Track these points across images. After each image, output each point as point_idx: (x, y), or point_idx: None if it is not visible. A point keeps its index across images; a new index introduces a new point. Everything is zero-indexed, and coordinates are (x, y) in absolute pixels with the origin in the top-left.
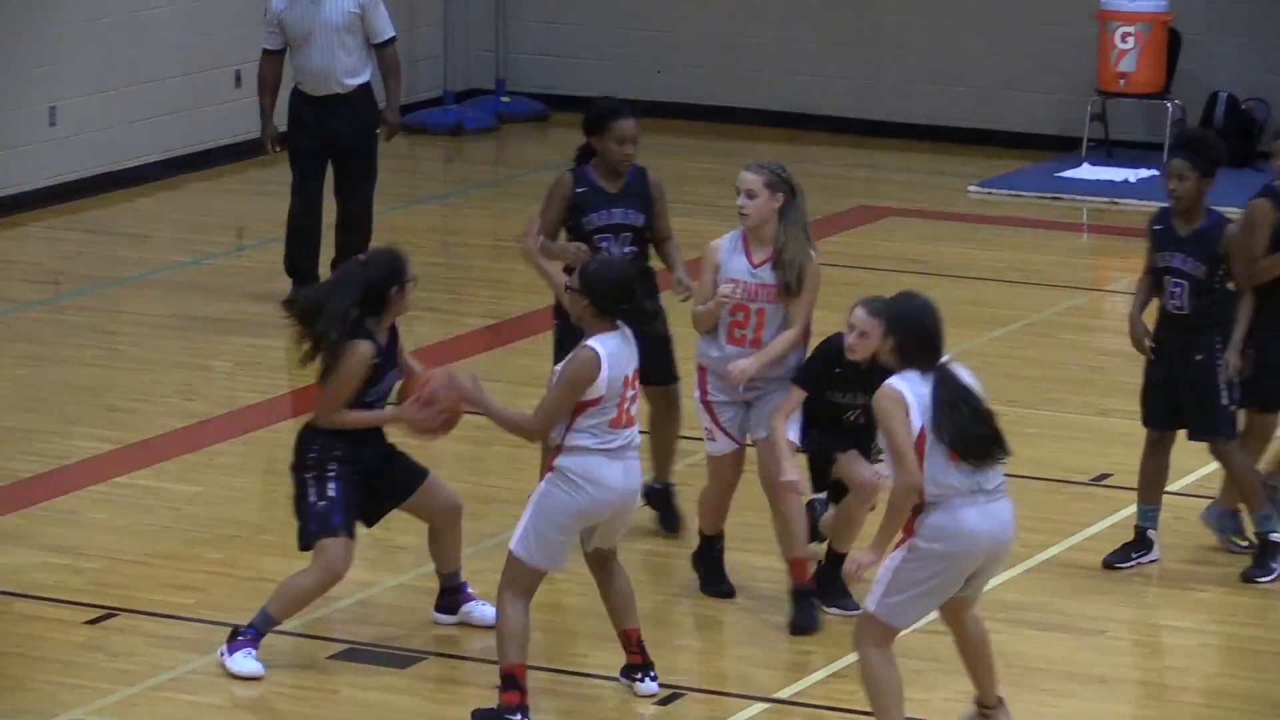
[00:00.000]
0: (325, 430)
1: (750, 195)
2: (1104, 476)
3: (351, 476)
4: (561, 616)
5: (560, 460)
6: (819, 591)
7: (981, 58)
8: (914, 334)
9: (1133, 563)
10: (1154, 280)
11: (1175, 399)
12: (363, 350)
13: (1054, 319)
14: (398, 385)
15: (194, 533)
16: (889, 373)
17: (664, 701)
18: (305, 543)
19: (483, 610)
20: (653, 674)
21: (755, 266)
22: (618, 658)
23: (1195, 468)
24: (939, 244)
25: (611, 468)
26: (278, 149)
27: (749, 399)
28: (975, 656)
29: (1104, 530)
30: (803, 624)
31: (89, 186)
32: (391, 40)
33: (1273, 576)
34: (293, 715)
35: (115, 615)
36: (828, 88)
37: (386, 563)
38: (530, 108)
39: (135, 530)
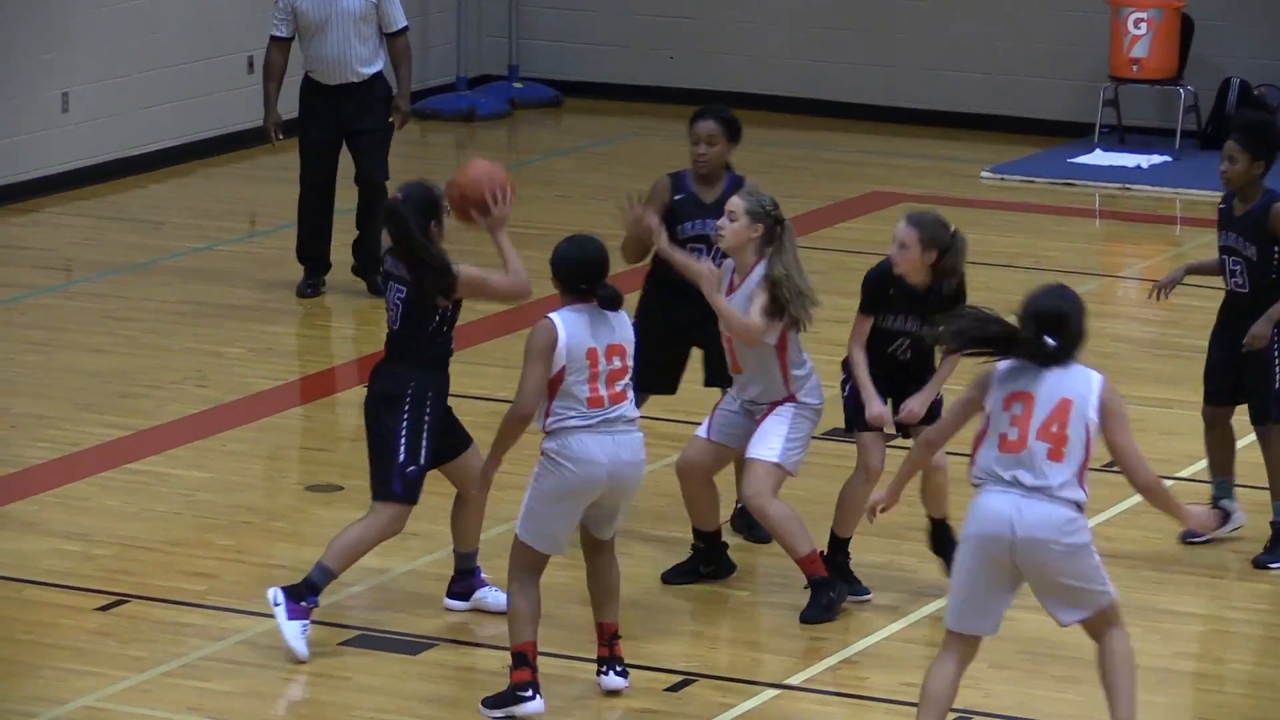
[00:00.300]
0: (418, 369)
1: (731, 218)
2: (1115, 462)
3: (437, 426)
4: (578, 605)
5: (543, 443)
6: (832, 583)
7: (995, 44)
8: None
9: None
10: (1220, 263)
11: (1236, 376)
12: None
13: None
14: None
15: (205, 519)
16: (940, 298)
17: (674, 688)
18: (384, 496)
19: (495, 596)
20: (619, 668)
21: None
22: (630, 646)
23: (1204, 455)
24: None
25: (596, 440)
26: (280, 137)
27: (751, 411)
28: None
29: (1116, 516)
30: (811, 616)
31: (101, 173)
32: (405, 30)
33: None
34: (305, 701)
35: (127, 602)
36: (841, 74)
37: (399, 549)
38: (543, 94)
39: (146, 517)
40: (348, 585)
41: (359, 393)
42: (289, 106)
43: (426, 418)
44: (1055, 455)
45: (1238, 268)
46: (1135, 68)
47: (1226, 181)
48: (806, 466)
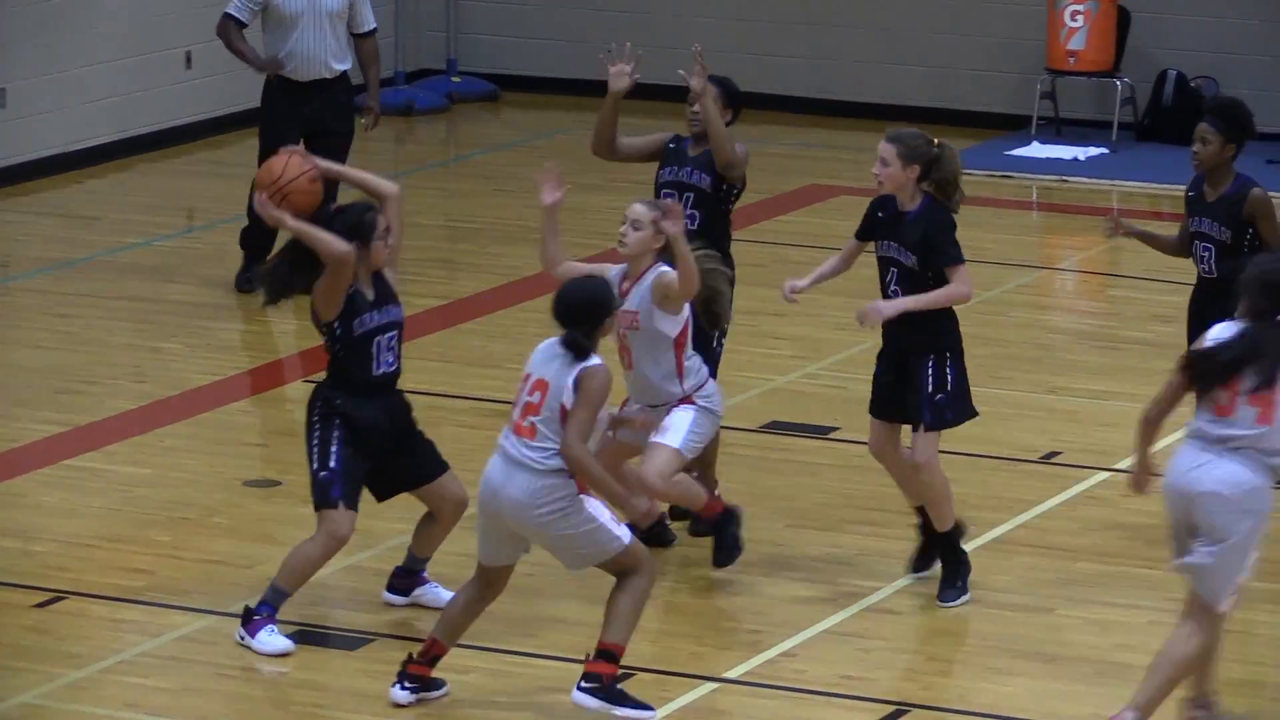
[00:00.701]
0: (326, 387)
1: (636, 226)
2: (1053, 454)
3: (359, 444)
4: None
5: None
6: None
7: (932, 37)
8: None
9: None
10: (1189, 244)
11: None
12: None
13: (1004, 297)
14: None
15: (143, 515)
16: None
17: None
18: (315, 507)
19: (435, 593)
20: (582, 684)
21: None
22: (569, 637)
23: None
24: None
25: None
26: (286, 65)
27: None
28: None
29: (1053, 508)
30: (720, 560)
31: (39, 168)
32: (374, 30)
33: None
34: (242, 697)
35: (65, 598)
36: (781, 67)
37: None
38: (481, 88)
39: (85, 513)
40: None
41: (297, 388)
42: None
43: (335, 441)
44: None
45: (1208, 253)
46: (1072, 60)
47: (1198, 164)
48: (774, 462)
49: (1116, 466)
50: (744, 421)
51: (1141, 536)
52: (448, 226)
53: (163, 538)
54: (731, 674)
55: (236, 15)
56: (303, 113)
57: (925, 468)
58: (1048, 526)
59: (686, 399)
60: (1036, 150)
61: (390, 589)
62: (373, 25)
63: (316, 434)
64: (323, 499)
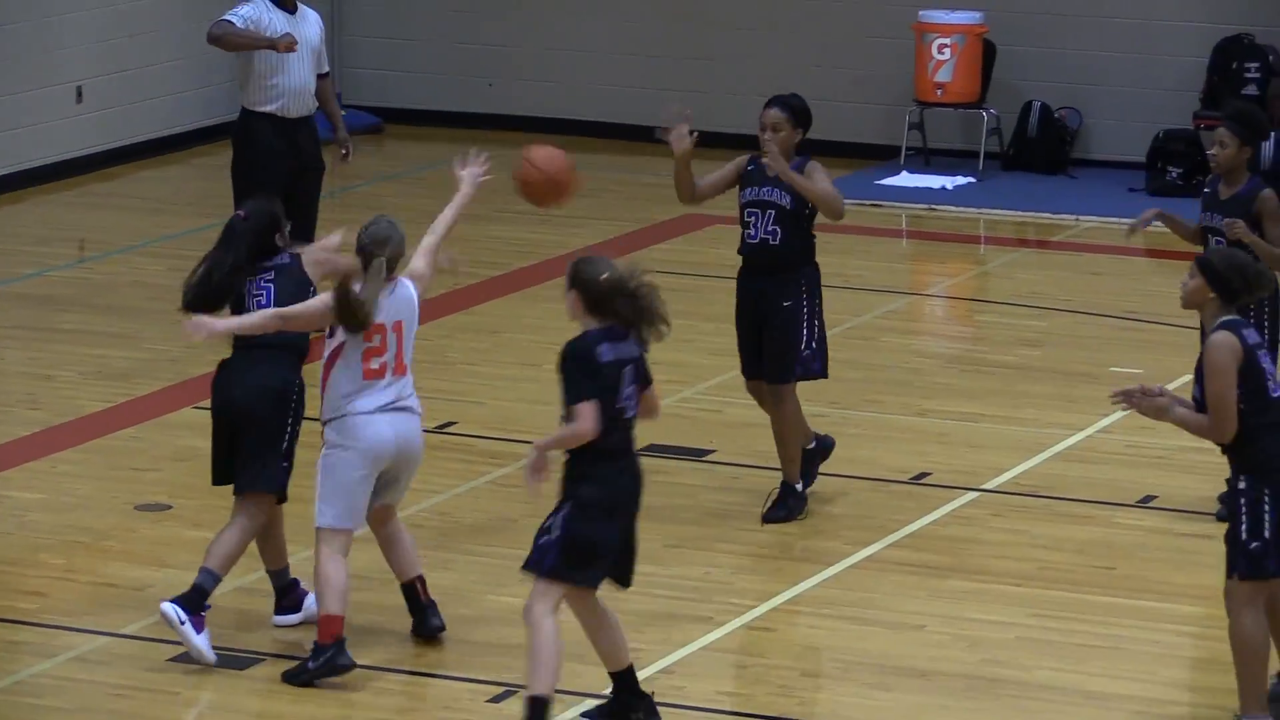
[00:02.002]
0: (300, 371)
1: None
2: (923, 475)
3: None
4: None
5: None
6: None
7: (804, 70)
8: None
9: None
10: (1202, 240)
11: None
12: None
13: (874, 322)
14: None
15: (37, 539)
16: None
17: (496, 699)
18: (286, 494)
19: (314, 604)
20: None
21: None
22: (453, 657)
23: (1010, 465)
24: None
25: None
26: (296, 41)
27: None
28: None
29: (923, 528)
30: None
31: None
32: (329, 72)
33: None
34: (134, 717)
35: None
36: (657, 100)
37: None
38: (365, 121)
39: None
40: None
41: (186, 414)
42: None
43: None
44: None
45: (1219, 246)
46: (939, 92)
47: (1215, 165)
48: (653, 484)
49: (984, 486)
50: None
51: (1009, 555)
52: None
53: (56, 561)
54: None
55: (234, 21)
56: (291, 151)
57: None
58: (918, 545)
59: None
60: (905, 179)
61: (278, 610)
62: (328, 68)
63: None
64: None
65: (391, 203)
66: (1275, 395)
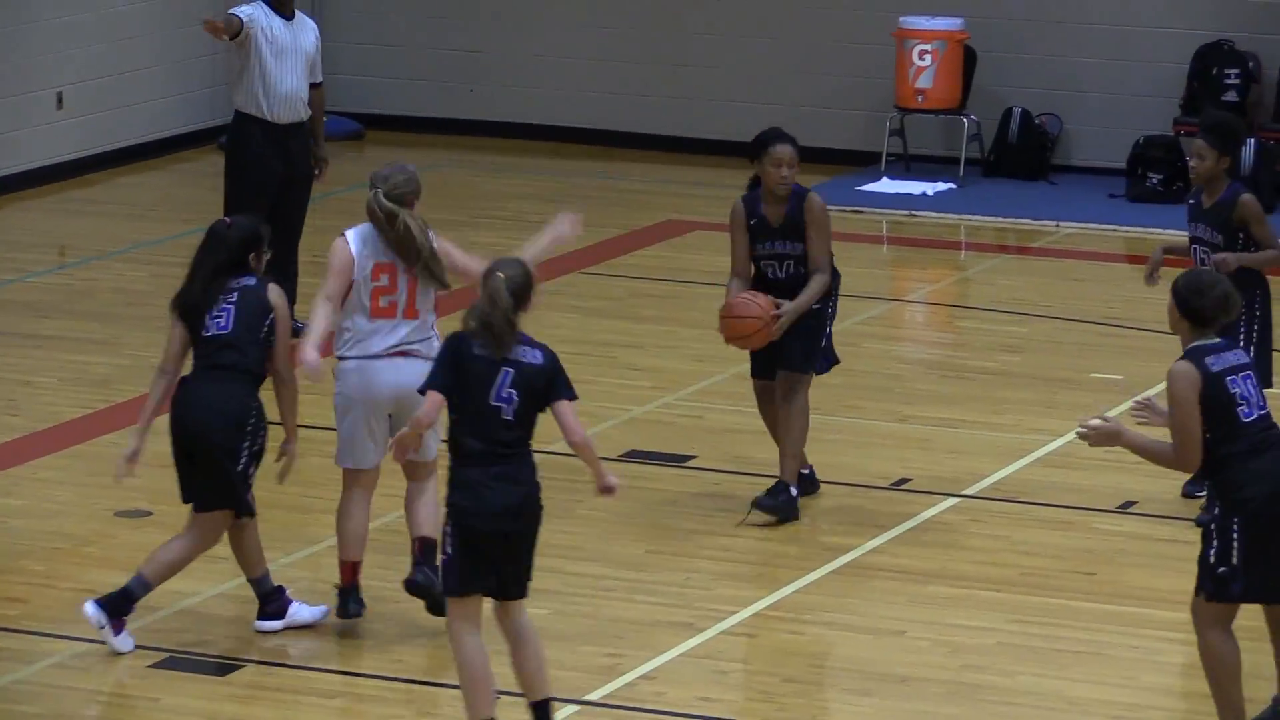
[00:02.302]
0: (258, 393)
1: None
2: (903, 481)
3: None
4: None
5: None
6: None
7: (785, 76)
8: None
9: (1205, 490)
10: (1190, 253)
11: None
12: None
13: (855, 328)
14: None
15: (17, 545)
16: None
17: None
18: (248, 510)
19: (299, 612)
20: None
21: None
22: (431, 666)
23: (990, 471)
24: None
25: None
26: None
27: None
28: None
29: (904, 533)
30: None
31: None
32: (322, 83)
33: None
34: None
35: None
36: (637, 106)
37: (206, 573)
38: (346, 127)
39: None
40: (156, 609)
41: (163, 421)
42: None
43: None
44: None
45: (1205, 257)
46: (920, 98)
47: (1196, 177)
48: (633, 490)
49: (965, 492)
50: (603, 450)
51: (989, 560)
52: (314, 262)
53: (37, 567)
54: (592, 696)
55: (240, 17)
56: (282, 157)
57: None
58: (899, 551)
59: None
60: (886, 186)
61: (261, 616)
62: (321, 78)
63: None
64: (249, 506)
65: None
66: (1247, 420)
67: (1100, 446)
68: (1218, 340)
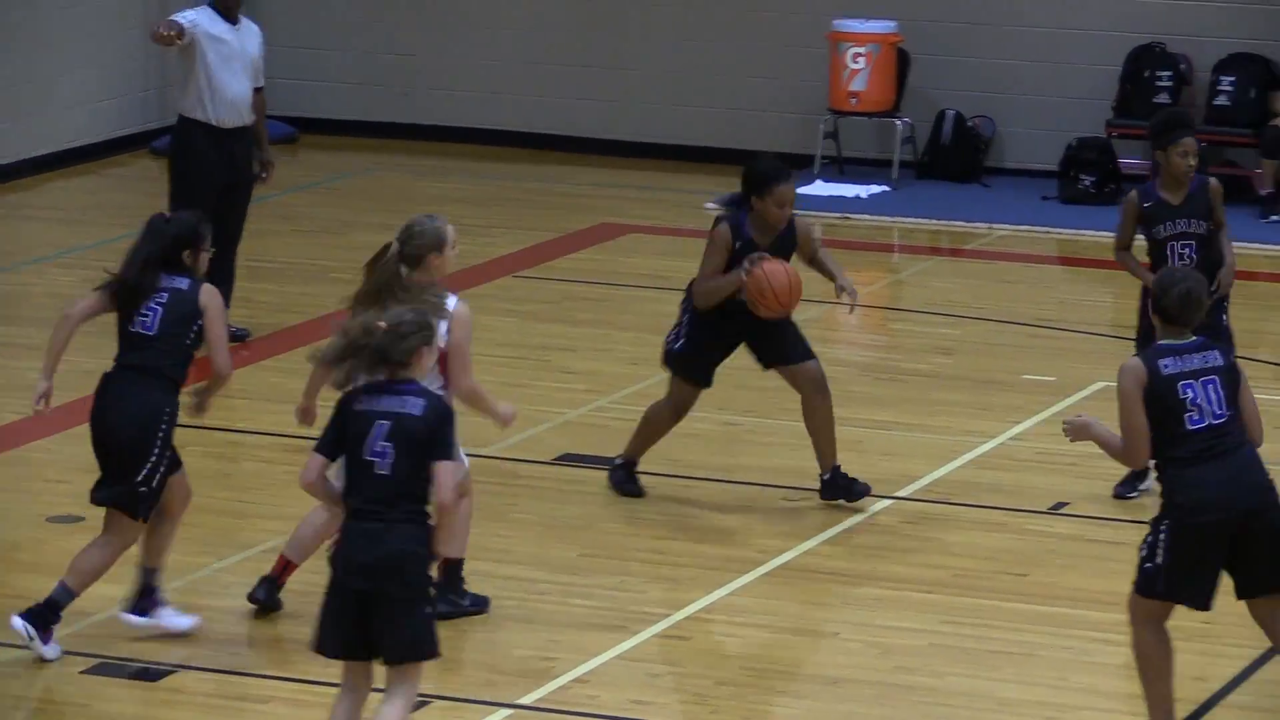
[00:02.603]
0: (175, 398)
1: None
2: None
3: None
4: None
5: None
6: None
7: (718, 79)
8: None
9: (1137, 492)
10: (1153, 253)
11: None
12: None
13: None
14: None
15: None
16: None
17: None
18: (144, 515)
19: (173, 619)
20: None
21: None
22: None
23: (923, 473)
24: (678, 260)
25: None
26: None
27: None
28: None
29: (836, 535)
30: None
31: None
32: (263, 87)
33: None
34: None
35: None
36: (571, 109)
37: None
38: (280, 130)
39: None
40: (88, 614)
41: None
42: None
43: (169, 453)
44: None
45: (1188, 249)
46: (854, 101)
47: (1195, 173)
48: (567, 493)
49: (897, 494)
50: (536, 454)
51: (921, 562)
52: (247, 266)
53: None
54: (525, 700)
55: (181, 22)
56: (226, 161)
57: None
58: (831, 553)
59: None
60: (820, 188)
61: (130, 609)
62: (263, 82)
63: (162, 442)
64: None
65: (304, 212)
66: (1193, 428)
67: (1078, 440)
68: (1191, 339)
